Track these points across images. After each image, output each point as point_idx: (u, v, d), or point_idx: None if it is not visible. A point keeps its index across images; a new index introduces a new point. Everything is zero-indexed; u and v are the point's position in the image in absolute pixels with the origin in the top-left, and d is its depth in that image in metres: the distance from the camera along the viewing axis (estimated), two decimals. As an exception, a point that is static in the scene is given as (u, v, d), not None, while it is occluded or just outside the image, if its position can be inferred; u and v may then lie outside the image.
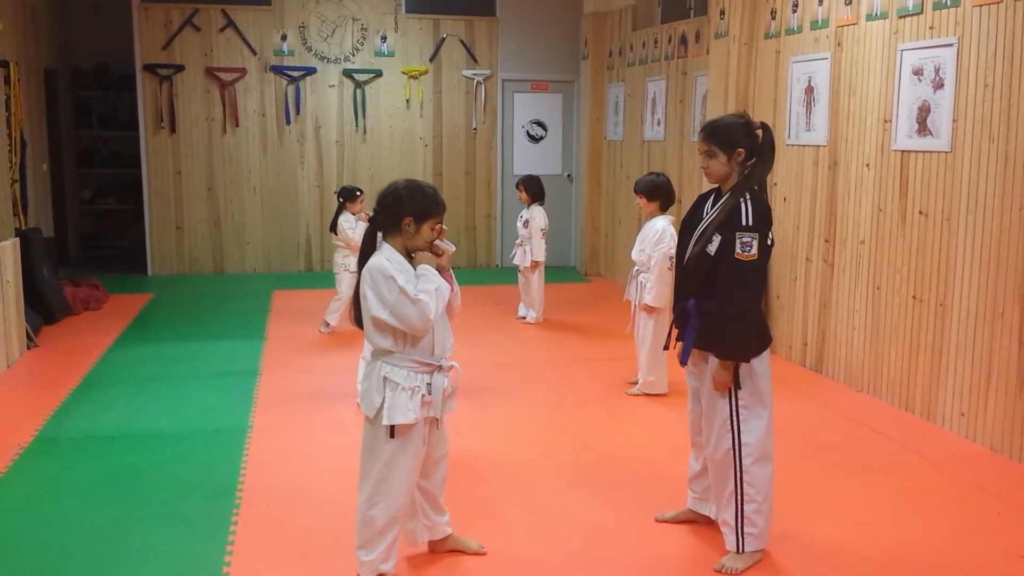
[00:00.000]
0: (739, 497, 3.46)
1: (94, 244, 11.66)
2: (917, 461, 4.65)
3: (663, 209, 5.60)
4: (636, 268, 5.67)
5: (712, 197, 3.56)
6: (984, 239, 4.79)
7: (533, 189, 7.68)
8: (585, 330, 7.62)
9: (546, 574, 3.44)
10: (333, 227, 7.09)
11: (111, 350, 6.74)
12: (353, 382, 5.48)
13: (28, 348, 6.63)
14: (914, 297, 5.32)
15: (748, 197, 3.37)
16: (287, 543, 3.65)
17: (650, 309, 5.57)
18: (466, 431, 4.84)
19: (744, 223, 3.32)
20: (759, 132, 3.47)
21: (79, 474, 4.38)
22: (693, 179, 7.95)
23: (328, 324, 7.32)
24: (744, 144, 3.44)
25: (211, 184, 10.18)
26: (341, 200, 7.13)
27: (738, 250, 3.31)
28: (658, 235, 5.50)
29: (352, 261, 6.57)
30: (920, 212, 5.26)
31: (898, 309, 5.46)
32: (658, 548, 3.65)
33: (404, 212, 3.14)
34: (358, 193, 7.11)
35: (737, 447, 3.43)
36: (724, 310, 3.37)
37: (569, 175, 11.05)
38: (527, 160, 10.94)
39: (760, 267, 3.36)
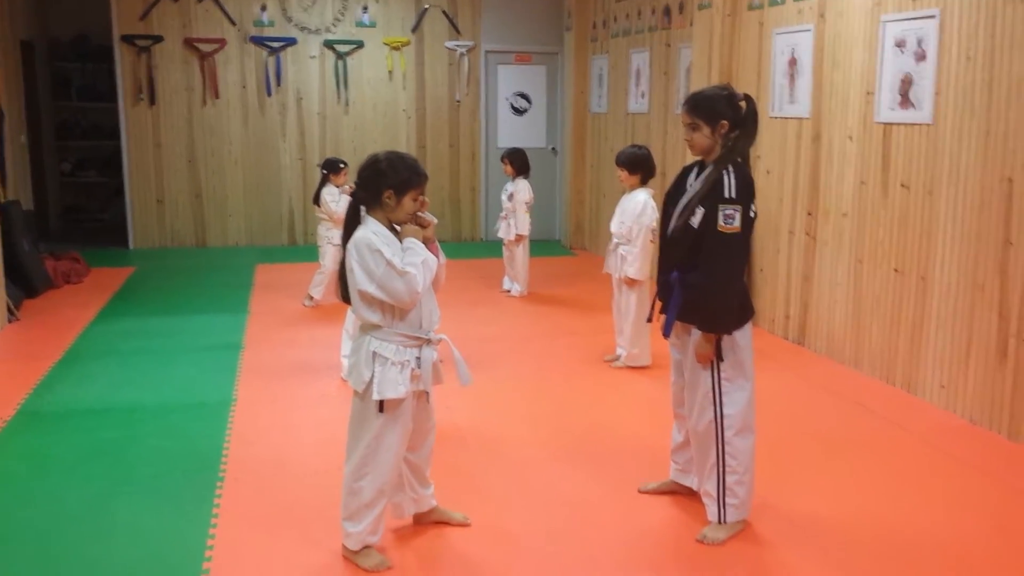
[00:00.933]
0: (721, 468, 3.48)
1: (75, 217, 11.56)
2: (897, 433, 4.70)
3: (644, 182, 5.61)
4: (615, 241, 5.67)
5: (696, 169, 3.55)
6: (965, 212, 4.81)
7: (518, 162, 7.66)
8: (570, 303, 7.63)
9: (530, 545, 3.46)
10: (316, 199, 7.06)
11: (93, 324, 6.70)
12: (336, 355, 5.48)
13: (9, 322, 6.59)
14: (896, 270, 5.35)
15: (731, 169, 3.36)
16: (271, 515, 3.66)
17: (632, 282, 5.58)
18: (452, 404, 4.85)
19: (727, 195, 3.31)
20: (743, 104, 3.45)
21: (62, 448, 4.36)
22: (677, 151, 7.94)
23: (312, 297, 7.31)
24: (727, 116, 3.41)
25: (192, 156, 10.10)
26: (324, 172, 7.08)
27: (720, 222, 3.30)
28: (640, 207, 5.50)
29: (336, 234, 6.54)
30: (902, 185, 5.28)
31: (880, 282, 5.49)
32: (641, 519, 3.68)
33: (384, 185, 3.11)
34: (341, 165, 7.06)
35: (719, 419, 3.46)
36: (707, 282, 3.37)
37: (554, 148, 11.02)
38: (511, 133, 10.90)
39: (743, 239, 3.36)
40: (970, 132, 4.77)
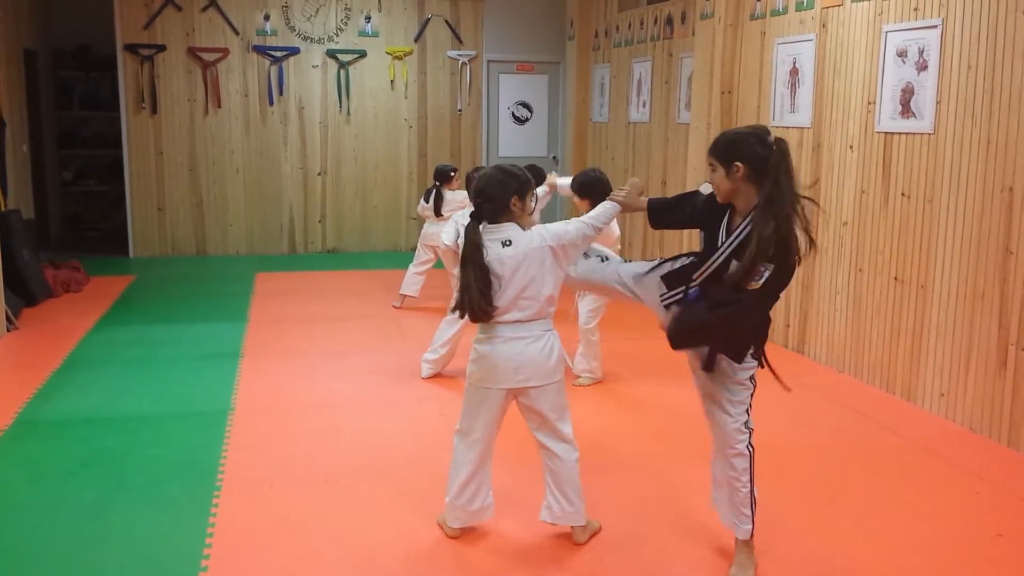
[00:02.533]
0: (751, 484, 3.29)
1: (75, 226, 11.56)
2: (897, 441, 4.68)
3: (594, 206, 5.42)
4: None
5: (728, 216, 3.13)
6: (965, 221, 4.80)
7: (537, 177, 7.57)
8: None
9: (534, 555, 3.45)
10: (439, 210, 7.32)
11: (92, 332, 6.70)
12: (336, 364, 5.46)
13: (8, 331, 6.59)
14: (896, 278, 5.34)
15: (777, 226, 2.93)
16: (268, 525, 3.64)
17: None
18: (447, 411, 4.83)
19: (769, 253, 2.93)
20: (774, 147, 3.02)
21: (60, 457, 4.35)
22: (678, 162, 7.95)
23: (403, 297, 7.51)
24: (744, 159, 2.99)
25: (193, 165, 10.10)
26: (437, 183, 7.37)
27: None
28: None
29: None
30: (903, 194, 5.27)
31: (880, 290, 5.48)
32: (646, 525, 3.67)
33: (510, 193, 3.30)
34: (452, 173, 7.41)
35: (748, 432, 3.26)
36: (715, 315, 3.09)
37: (555, 157, 11.03)
38: (513, 142, 10.91)
39: (759, 297, 3.01)
40: (971, 142, 4.76)
